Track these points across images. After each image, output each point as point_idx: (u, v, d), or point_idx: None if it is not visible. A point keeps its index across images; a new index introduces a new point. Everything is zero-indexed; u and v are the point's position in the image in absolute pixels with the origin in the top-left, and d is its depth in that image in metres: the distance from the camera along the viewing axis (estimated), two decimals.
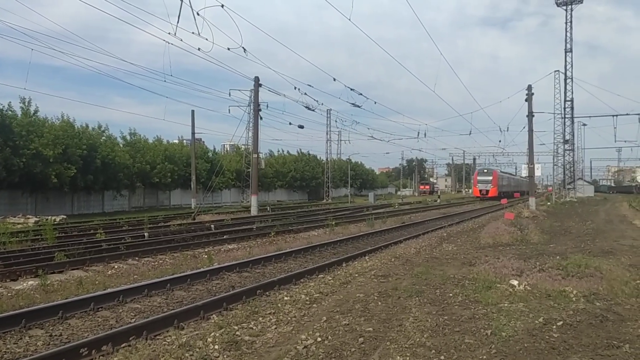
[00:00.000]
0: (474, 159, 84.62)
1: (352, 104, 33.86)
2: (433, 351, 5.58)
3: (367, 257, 13.38)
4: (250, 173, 35.76)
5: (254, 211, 33.00)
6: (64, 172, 31.46)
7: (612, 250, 13.53)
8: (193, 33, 17.17)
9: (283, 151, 71.16)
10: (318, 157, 72.77)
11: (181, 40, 28.62)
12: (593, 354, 5.27)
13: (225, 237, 18.14)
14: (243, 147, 53.82)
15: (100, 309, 8.06)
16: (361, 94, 33.55)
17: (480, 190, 68.05)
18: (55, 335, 6.83)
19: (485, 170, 71.73)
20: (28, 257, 13.26)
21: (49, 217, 25.74)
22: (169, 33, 17.25)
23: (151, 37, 65.55)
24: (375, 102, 40.41)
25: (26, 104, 32.50)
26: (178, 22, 17.47)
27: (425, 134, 58.75)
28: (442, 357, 5.39)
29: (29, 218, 26.08)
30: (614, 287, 8.06)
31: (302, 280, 10.39)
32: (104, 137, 38.85)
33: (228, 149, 74.38)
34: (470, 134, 53.54)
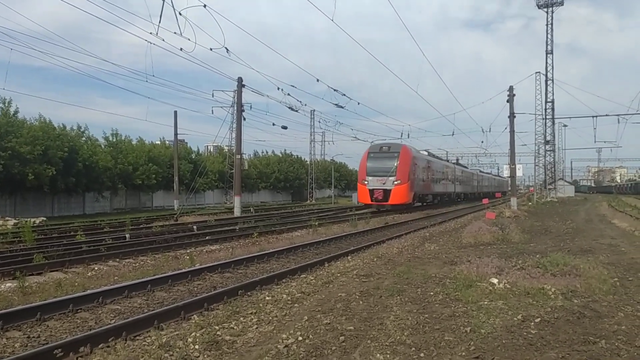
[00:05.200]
0: (457, 159, 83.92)
1: (336, 104, 33.97)
2: (413, 349, 5.62)
3: (349, 257, 13.40)
4: (234, 174, 35.64)
5: (237, 212, 32.89)
6: (43, 173, 31.03)
7: (591, 248, 13.73)
8: (175, 33, 17.10)
9: (267, 152, 71.08)
10: (302, 158, 72.82)
11: (163, 40, 28.38)
12: (570, 349, 5.34)
13: (207, 238, 18.05)
14: (226, 148, 53.64)
15: (79, 311, 7.97)
16: (344, 95, 33.69)
17: (371, 192, 33.64)
18: (33, 337, 6.75)
19: (385, 148, 35.42)
20: (6, 259, 13.08)
21: (28, 219, 25.38)
22: (151, 33, 17.09)
23: (133, 37, 65.12)
24: (358, 103, 40.58)
25: (6, 104, 32.08)
26: (160, 22, 17.41)
27: (408, 135, 56.96)
28: (422, 355, 5.43)
29: (7, 220, 25.71)
30: (592, 285, 8.17)
31: (284, 280, 10.38)
32: (84, 138, 38.44)
33: (211, 150, 74.01)
34: (453, 134, 53.87)
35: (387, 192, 32.90)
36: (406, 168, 33.58)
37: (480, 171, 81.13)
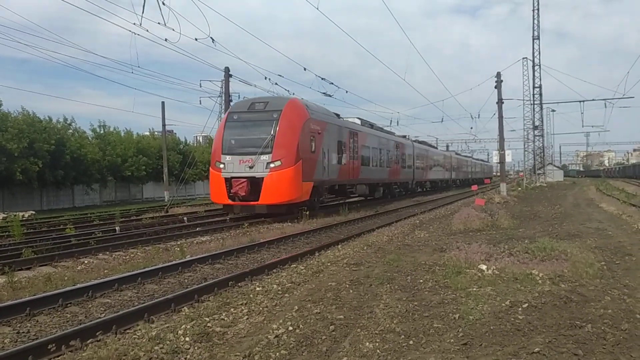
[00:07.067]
0: (447, 146, 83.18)
1: (324, 93, 33.77)
2: (402, 336, 5.67)
3: (339, 246, 13.45)
4: None
5: None
6: (30, 168, 30.80)
7: (579, 233, 13.87)
8: (159, 23, 16.92)
9: None
10: None
11: (147, 30, 28.13)
12: (556, 334, 5.41)
13: (198, 229, 18.00)
14: None
15: (69, 305, 7.94)
16: (332, 84, 33.44)
17: (228, 182, 19.45)
18: (23, 332, 6.72)
19: (259, 106, 20.82)
20: None
21: (17, 213, 25.21)
22: (134, 23, 16.88)
23: (117, 27, 64.56)
24: (346, 92, 40.49)
25: None
26: (143, 12, 17.20)
27: (397, 122, 56.80)
28: (411, 342, 5.49)
29: None
30: (579, 269, 8.25)
31: (274, 270, 10.39)
32: (70, 131, 38.16)
33: (200, 140, 73.63)
34: (442, 121, 54.08)
35: (255, 184, 19.16)
36: (294, 138, 19.78)
37: (457, 153, 71.85)
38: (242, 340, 5.91)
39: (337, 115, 26.92)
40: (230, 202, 19.77)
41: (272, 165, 19.21)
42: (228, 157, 19.90)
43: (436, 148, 58.04)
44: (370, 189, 30.51)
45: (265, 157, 19.27)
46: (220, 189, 19.76)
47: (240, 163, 19.52)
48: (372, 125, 32.91)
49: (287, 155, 19.38)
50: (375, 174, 31.04)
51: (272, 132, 19.55)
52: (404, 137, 43.54)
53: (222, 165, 19.89)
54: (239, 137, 20.37)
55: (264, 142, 19.44)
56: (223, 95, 33.87)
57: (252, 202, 19.27)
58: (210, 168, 20.96)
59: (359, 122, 30.36)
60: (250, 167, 19.29)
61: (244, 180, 19.02)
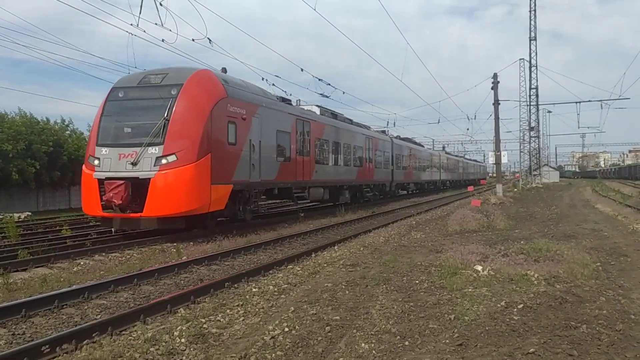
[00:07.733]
0: (443, 147, 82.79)
1: (321, 94, 33.70)
2: (398, 337, 5.69)
3: (336, 247, 13.46)
4: None
5: None
6: (27, 169, 30.74)
7: (574, 234, 13.92)
8: (156, 24, 16.89)
9: None
10: None
11: (144, 31, 28.08)
12: (551, 335, 5.43)
13: (194, 230, 17.95)
14: None
15: (64, 306, 7.92)
16: (329, 84, 33.41)
17: (102, 185, 13.83)
18: (18, 334, 6.70)
19: (155, 80, 14.92)
20: None
21: (13, 214, 25.15)
22: (132, 24, 16.80)
23: (114, 28, 64.50)
24: (343, 92, 40.03)
25: None
26: (140, 12, 17.12)
27: (394, 123, 56.13)
28: (407, 343, 5.50)
29: None
30: (574, 270, 8.28)
31: (270, 271, 10.40)
32: (68, 132, 38.07)
33: None
34: (438, 122, 54.11)
35: (139, 188, 13.89)
36: (198, 123, 14.50)
37: (447, 152, 67.72)
38: (237, 341, 5.92)
39: (287, 100, 22.03)
40: (103, 214, 14.44)
41: (163, 160, 13.89)
42: (104, 150, 14.57)
43: (422, 146, 51.19)
44: (331, 192, 25.40)
45: (154, 150, 13.98)
46: (92, 194, 14.44)
47: (121, 158, 14.19)
48: (335, 116, 27.15)
49: (187, 146, 14.11)
50: (337, 175, 25.74)
51: (165, 115, 14.16)
52: (383, 132, 39.08)
53: (96, 162, 14.57)
54: (121, 122, 15.12)
55: (152, 128, 14.14)
56: None
57: (134, 214, 14.02)
58: (83, 166, 15.29)
59: (317, 110, 24.81)
60: (133, 164, 13.96)
61: (122, 182, 13.74)
